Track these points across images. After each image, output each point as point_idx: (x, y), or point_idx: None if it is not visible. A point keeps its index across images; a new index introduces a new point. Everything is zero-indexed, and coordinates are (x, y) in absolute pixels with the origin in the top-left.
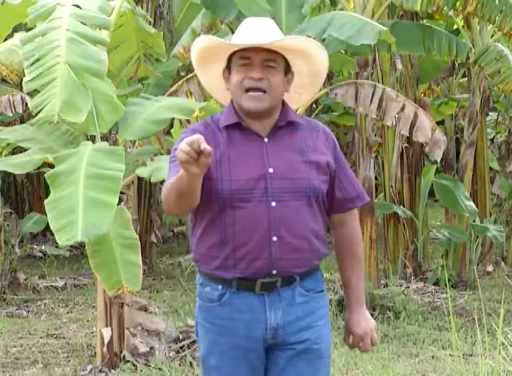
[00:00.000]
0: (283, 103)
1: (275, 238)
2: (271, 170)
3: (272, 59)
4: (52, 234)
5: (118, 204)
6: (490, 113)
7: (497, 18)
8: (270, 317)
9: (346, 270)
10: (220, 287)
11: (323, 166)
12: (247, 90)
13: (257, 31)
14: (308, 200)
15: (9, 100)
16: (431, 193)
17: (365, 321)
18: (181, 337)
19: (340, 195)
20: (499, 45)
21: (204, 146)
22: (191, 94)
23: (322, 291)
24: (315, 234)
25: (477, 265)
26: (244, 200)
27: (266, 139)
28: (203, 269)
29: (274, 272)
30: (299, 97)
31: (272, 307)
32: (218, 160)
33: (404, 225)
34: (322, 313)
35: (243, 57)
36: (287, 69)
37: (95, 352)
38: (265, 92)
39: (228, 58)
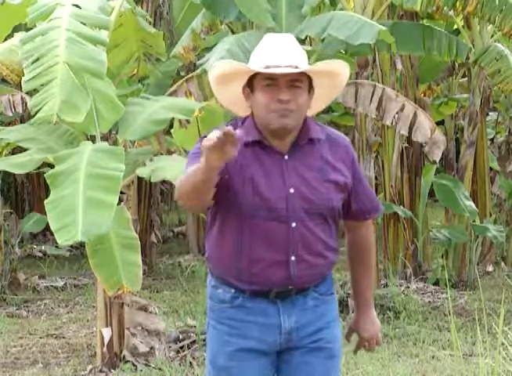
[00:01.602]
0: (305, 118)
1: (293, 258)
2: (291, 190)
3: (298, 80)
4: (52, 234)
5: (118, 204)
6: (490, 113)
7: (497, 18)
8: (284, 321)
9: (356, 275)
10: (233, 290)
11: (341, 185)
12: (275, 111)
13: (281, 51)
14: (325, 219)
15: (9, 100)
16: (431, 193)
17: (373, 325)
18: (181, 337)
19: (356, 207)
20: (499, 45)
21: (234, 131)
22: (191, 94)
23: (333, 293)
24: (329, 248)
25: (477, 265)
26: (264, 219)
27: (286, 157)
28: (216, 272)
29: (290, 287)
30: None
31: (285, 311)
32: (239, 173)
33: (404, 225)
34: (332, 315)
35: (268, 78)
36: (310, 85)
37: (95, 352)
38: (292, 111)
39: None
